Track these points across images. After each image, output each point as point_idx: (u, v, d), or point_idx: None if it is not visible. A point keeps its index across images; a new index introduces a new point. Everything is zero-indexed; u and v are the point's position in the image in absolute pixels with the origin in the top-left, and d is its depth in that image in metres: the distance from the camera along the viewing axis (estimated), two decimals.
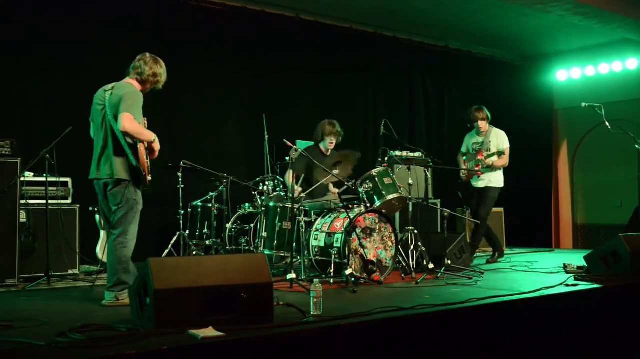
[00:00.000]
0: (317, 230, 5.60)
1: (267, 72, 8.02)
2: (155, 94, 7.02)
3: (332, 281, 5.13)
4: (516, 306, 4.20)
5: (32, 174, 5.69)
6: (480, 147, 7.11)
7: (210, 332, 2.96)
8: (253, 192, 6.53)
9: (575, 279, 5.15)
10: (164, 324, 3.05)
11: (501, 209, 8.90)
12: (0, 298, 4.73)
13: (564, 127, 10.61)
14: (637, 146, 6.97)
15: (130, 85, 4.41)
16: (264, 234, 5.77)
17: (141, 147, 4.28)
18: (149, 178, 4.37)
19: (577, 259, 6.14)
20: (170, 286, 3.12)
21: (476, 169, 7.01)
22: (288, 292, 4.73)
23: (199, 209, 6.68)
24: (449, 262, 5.79)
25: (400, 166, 6.57)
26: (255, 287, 3.34)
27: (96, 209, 5.95)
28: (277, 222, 5.75)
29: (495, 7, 8.09)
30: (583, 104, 7.07)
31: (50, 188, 5.67)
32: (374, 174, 5.74)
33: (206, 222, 6.61)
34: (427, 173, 6.27)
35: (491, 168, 6.97)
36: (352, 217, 5.24)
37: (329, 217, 5.63)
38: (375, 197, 5.70)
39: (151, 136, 4.34)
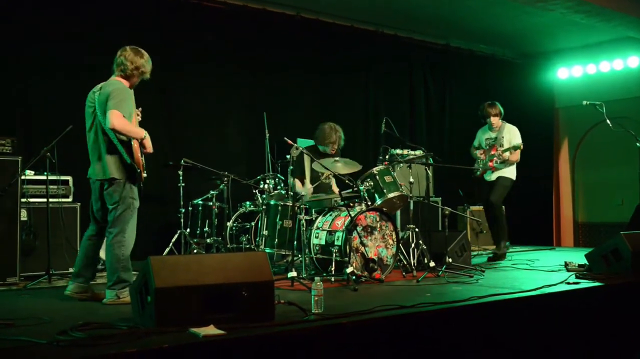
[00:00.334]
0: (318, 228, 5.59)
1: (267, 70, 8.01)
2: (155, 94, 7.10)
3: (333, 279, 5.13)
4: (517, 304, 4.20)
5: (32, 172, 5.69)
6: (494, 143, 7.14)
7: (211, 330, 2.96)
8: (254, 191, 6.53)
9: (577, 277, 5.15)
10: (165, 322, 3.05)
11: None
12: (1, 296, 4.74)
13: (565, 125, 10.60)
14: (638, 144, 6.95)
15: (117, 82, 4.41)
16: (265, 232, 5.77)
17: (135, 144, 4.27)
18: (145, 175, 4.37)
19: (578, 257, 6.14)
20: (171, 285, 3.12)
21: (489, 164, 7.06)
22: (289, 290, 4.73)
23: (200, 208, 6.68)
24: (450, 260, 5.79)
25: (401, 164, 6.57)
26: (256, 285, 3.34)
27: None
28: (278, 220, 5.75)
29: (497, 5, 8.08)
30: (584, 102, 7.06)
31: (51, 186, 5.68)
32: (375, 172, 5.73)
33: (207, 221, 6.62)
34: (428, 171, 6.26)
35: (504, 163, 7.02)
36: (353, 215, 5.23)
37: (330, 215, 5.63)
38: (376, 195, 5.70)
39: (141, 132, 4.34)
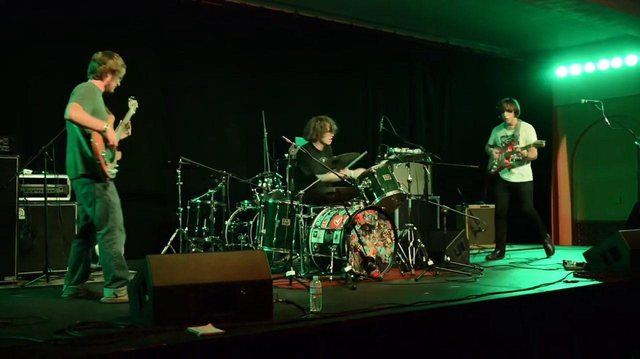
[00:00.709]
0: (316, 227, 5.59)
1: (266, 69, 8.00)
2: (154, 93, 7.09)
3: (331, 277, 5.13)
4: (515, 302, 4.19)
5: (30, 171, 5.69)
6: (511, 140, 7.16)
7: (209, 329, 2.96)
8: (252, 189, 6.52)
9: (575, 275, 5.15)
10: (163, 321, 3.05)
11: None
12: None
13: (563, 123, 10.60)
14: (636, 142, 6.96)
15: (87, 82, 4.47)
16: (263, 231, 5.77)
17: (96, 137, 4.26)
18: (111, 170, 4.33)
19: (577, 255, 6.14)
20: (169, 283, 3.12)
21: (506, 161, 7.08)
22: (287, 289, 4.73)
23: (198, 206, 6.68)
24: (448, 259, 5.80)
25: (400, 163, 6.56)
26: (255, 284, 3.34)
27: None
28: (276, 219, 5.75)
29: (496, 4, 8.08)
30: (582, 101, 7.07)
31: (49, 185, 5.66)
32: (373, 170, 5.73)
33: (205, 220, 6.61)
34: (427, 170, 6.26)
35: (521, 161, 7.04)
36: (351, 214, 5.23)
37: (328, 214, 5.63)
38: (374, 193, 5.69)
39: (101, 124, 4.30)
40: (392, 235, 5.52)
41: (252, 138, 7.67)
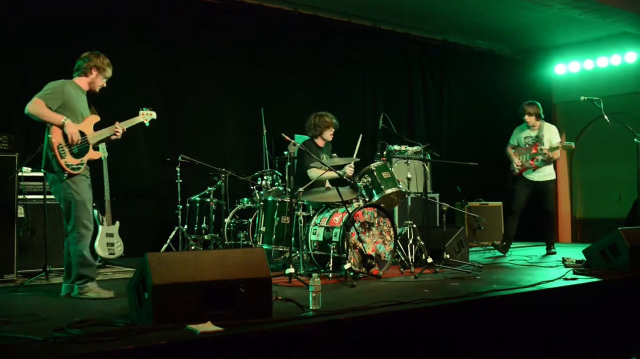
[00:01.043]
0: (315, 224, 5.59)
1: (265, 66, 7.99)
2: (154, 91, 7.07)
3: (330, 275, 5.12)
4: (515, 300, 4.20)
5: (29, 169, 5.68)
6: (535, 141, 7.24)
7: (208, 327, 2.96)
8: (251, 187, 6.52)
9: (574, 273, 5.15)
10: (162, 319, 3.05)
11: (500, 204, 8.89)
12: None
13: (562, 120, 10.58)
14: (635, 140, 6.97)
15: (59, 80, 4.47)
16: (263, 228, 5.77)
17: (53, 131, 4.24)
18: (71, 164, 4.28)
19: (576, 253, 6.14)
20: (168, 281, 3.12)
21: (530, 162, 7.16)
22: (287, 286, 4.72)
23: (198, 204, 6.68)
24: (448, 256, 5.79)
25: (399, 160, 6.56)
26: (254, 282, 3.33)
27: (94, 204, 5.94)
28: (275, 216, 5.74)
29: (495, 1, 8.08)
30: (582, 98, 7.06)
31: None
32: (373, 168, 5.73)
33: (204, 217, 6.61)
34: (426, 167, 6.26)
35: (546, 162, 7.14)
36: (350, 211, 5.23)
37: (328, 211, 5.62)
38: (373, 191, 5.69)
39: (59, 118, 4.27)
40: (392, 232, 5.52)
41: (251, 135, 7.66)
